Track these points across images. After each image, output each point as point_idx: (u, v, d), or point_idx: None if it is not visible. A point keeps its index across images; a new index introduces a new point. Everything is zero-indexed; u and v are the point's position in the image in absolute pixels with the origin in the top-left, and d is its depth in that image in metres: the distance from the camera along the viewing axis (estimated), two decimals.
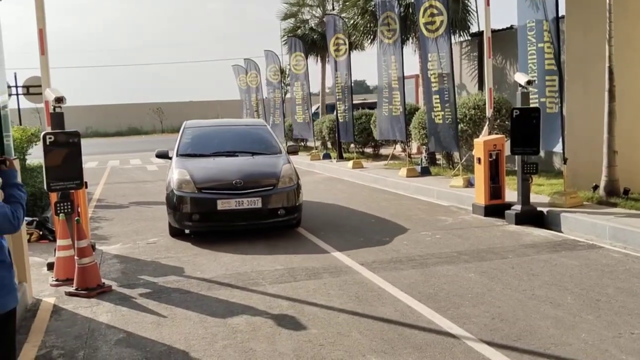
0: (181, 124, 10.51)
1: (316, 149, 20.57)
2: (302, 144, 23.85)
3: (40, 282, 6.52)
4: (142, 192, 14.02)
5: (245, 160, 9.05)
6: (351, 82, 17.44)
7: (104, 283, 6.23)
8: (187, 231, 8.53)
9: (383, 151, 19.25)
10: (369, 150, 19.58)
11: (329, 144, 21.55)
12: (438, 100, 12.46)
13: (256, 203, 8.07)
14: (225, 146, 9.53)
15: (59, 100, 6.71)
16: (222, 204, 7.99)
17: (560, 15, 9.59)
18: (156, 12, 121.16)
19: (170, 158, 9.30)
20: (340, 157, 18.69)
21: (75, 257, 6.12)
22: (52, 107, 6.82)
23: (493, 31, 13.77)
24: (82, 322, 5.30)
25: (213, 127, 10.80)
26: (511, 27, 14.36)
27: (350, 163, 16.37)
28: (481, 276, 6.26)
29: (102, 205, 12.25)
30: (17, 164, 4.48)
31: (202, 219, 8.07)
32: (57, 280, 6.42)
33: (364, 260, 7.01)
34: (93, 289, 6.03)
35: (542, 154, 12.13)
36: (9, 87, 14.69)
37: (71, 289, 6.07)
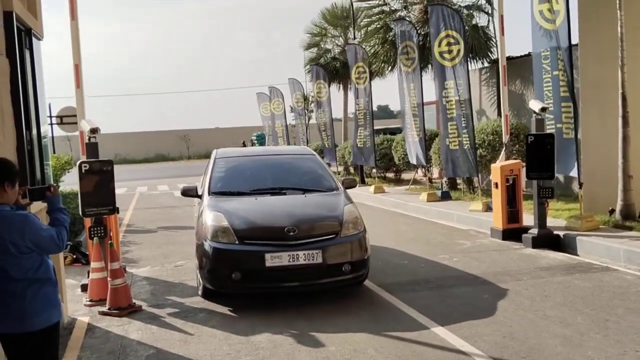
0: (208, 151, 10.07)
1: (338, 174, 20.92)
2: None
3: (74, 302, 6.90)
4: (170, 217, 14.45)
5: (296, 200, 7.12)
6: (372, 109, 17.82)
7: (134, 303, 6.58)
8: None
9: (404, 176, 19.50)
10: (390, 175, 19.85)
11: (351, 169, 21.90)
12: (455, 127, 12.75)
13: (315, 257, 6.19)
14: (269, 181, 7.67)
15: (94, 131, 7.16)
16: (272, 260, 6.11)
17: (574, 43, 9.87)
18: (184, 42, 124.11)
19: (200, 196, 7.44)
20: (362, 182, 18.98)
21: (108, 279, 6.50)
22: (87, 137, 7.27)
23: (511, 58, 14.11)
24: (114, 339, 5.65)
25: (250, 157, 8.70)
26: (529, 54, 14.59)
27: (372, 188, 16.65)
28: (495, 297, 6.47)
29: (132, 230, 12.70)
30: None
31: (245, 278, 6.20)
32: (90, 300, 6.80)
33: (382, 282, 7.25)
34: (125, 309, 6.39)
35: (561, 178, 12.33)
36: None
37: (104, 309, 6.43)
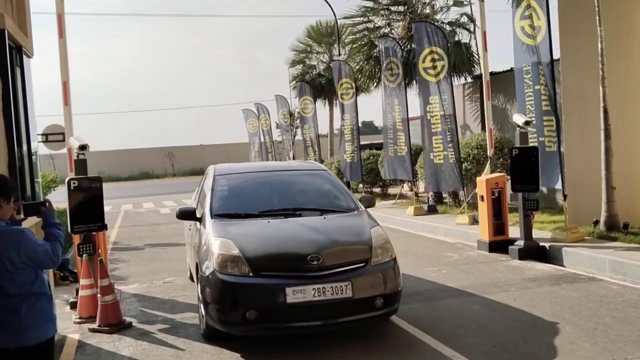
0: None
1: None
2: None
3: (64, 320, 6.83)
4: (156, 235, 14.40)
5: (314, 222, 6.20)
6: (358, 124, 17.97)
7: (124, 320, 6.56)
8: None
9: (391, 190, 19.61)
10: (377, 189, 19.95)
11: None
12: (440, 141, 12.92)
13: (344, 290, 5.26)
14: (280, 201, 6.76)
15: (83, 147, 7.15)
16: (294, 294, 5.17)
17: (556, 58, 10.08)
18: (167, 60, 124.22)
19: (199, 220, 6.53)
20: None
21: (98, 295, 6.48)
22: (76, 154, 7.26)
23: (495, 73, 14.36)
24: (106, 356, 5.63)
25: (255, 173, 7.72)
26: (511, 69, 14.86)
27: None
28: (484, 308, 6.55)
29: (118, 247, 12.63)
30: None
31: (261, 318, 5.24)
32: (80, 317, 6.76)
33: None
34: (115, 325, 6.36)
35: (545, 191, 12.49)
36: None
37: (94, 326, 6.40)
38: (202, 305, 5.75)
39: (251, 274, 5.33)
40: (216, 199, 6.61)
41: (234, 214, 6.35)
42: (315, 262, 5.32)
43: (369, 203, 6.98)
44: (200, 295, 5.79)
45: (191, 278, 7.86)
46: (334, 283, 5.25)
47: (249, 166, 8.62)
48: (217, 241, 5.66)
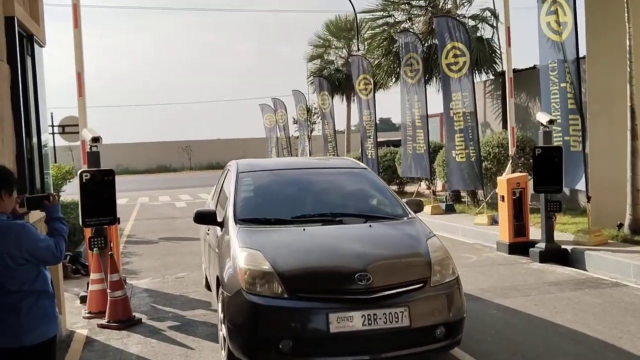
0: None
1: None
2: None
3: (73, 314, 6.75)
4: (171, 228, 14.32)
5: (359, 231, 5.23)
6: (376, 120, 17.75)
7: (134, 316, 6.44)
8: None
9: (408, 188, 19.38)
10: (394, 187, 19.72)
11: None
12: (462, 139, 12.65)
13: (400, 318, 4.33)
14: (316, 205, 5.74)
15: (96, 140, 7.04)
16: (338, 322, 4.25)
17: (581, 55, 9.78)
18: (185, 54, 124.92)
19: (220, 224, 5.60)
20: None
21: (108, 291, 6.36)
22: (89, 147, 7.16)
23: (517, 70, 14.03)
24: (113, 354, 5.50)
25: (285, 171, 6.59)
26: (534, 66, 14.53)
27: None
28: (504, 313, 6.33)
29: (132, 240, 12.56)
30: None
31: (298, 350, 4.32)
32: (89, 312, 6.66)
33: None
34: (124, 322, 6.24)
35: (567, 192, 12.19)
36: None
37: (103, 322, 6.28)
38: (224, 330, 4.78)
39: (286, 295, 4.36)
40: (240, 201, 5.63)
41: (262, 219, 5.37)
42: (363, 282, 4.36)
43: (418, 207, 5.93)
44: (221, 318, 4.85)
45: (207, 287, 7.35)
46: (387, 309, 4.31)
47: (277, 162, 7.68)
48: (243, 253, 4.70)
